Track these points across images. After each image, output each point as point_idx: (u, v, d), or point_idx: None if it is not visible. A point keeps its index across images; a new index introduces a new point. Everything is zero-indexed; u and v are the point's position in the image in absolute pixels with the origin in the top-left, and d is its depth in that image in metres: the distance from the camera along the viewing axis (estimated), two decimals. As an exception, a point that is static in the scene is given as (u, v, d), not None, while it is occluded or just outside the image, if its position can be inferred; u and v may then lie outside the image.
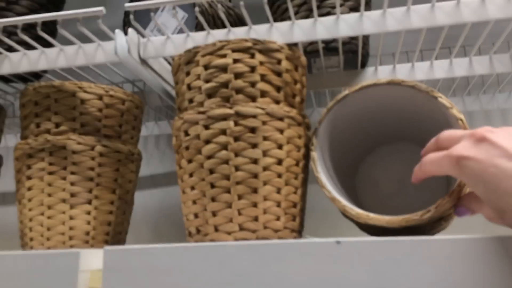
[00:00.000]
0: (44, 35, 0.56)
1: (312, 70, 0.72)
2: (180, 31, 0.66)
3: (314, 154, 0.52)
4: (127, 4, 0.53)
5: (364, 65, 0.71)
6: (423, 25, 0.54)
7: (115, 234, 0.61)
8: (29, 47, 0.61)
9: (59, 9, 0.70)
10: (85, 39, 0.60)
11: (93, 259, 0.44)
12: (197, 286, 0.41)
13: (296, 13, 0.66)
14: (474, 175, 0.36)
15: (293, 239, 0.49)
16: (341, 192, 0.55)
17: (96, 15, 0.51)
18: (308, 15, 0.65)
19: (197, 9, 0.55)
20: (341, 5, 0.66)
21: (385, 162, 0.61)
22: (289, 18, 0.65)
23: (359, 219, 0.47)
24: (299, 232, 0.53)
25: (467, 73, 0.68)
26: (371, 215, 0.46)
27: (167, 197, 0.92)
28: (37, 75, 0.76)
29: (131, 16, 0.55)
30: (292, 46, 0.53)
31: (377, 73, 0.71)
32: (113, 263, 0.41)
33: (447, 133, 0.41)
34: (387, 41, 0.76)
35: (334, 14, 0.61)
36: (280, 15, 0.69)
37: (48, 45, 0.62)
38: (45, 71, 0.76)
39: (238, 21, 0.78)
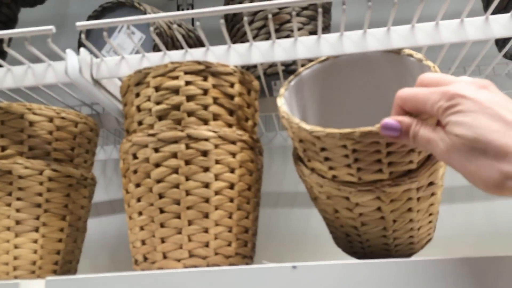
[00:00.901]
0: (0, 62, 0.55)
1: (273, 92, 0.71)
2: (138, 52, 0.65)
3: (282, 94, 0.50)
4: (79, 23, 0.52)
5: (324, 88, 0.70)
6: (379, 47, 0.54)
7: (65, 263, 0.58)
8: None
9: (10, 29, 0.68)
10: (37, 60, 0.58)
11: (31, 291, 0.41)
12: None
13: (255, 36, 0.66)
14: (466, 113, 0.34)
15: (246, 265, 0.47)
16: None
17: (46, 33, 0.50)
18: (268, 37, 0.65)
19: (151, 29, 0.54)
20: (301, 29, 0.66)
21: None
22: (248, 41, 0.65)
23: (314, 134, 0.42)
24: (250, 258, 0.51)
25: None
26: (327, 130, 0.42)
27: (126, 224, 0.89)
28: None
29: (83, 35, 0.53)
30: (245, 70, 0.52)
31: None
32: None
33: (435, 75, 0.38)
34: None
35: (293, 37, 0.60)
36: (240, 37, 0.69)
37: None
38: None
39: (199, 44, 0.77)
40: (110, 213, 0.92)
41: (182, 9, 1.05)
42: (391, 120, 0.38)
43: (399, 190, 0.44)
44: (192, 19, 1.03)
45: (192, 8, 1.05)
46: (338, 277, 0.36)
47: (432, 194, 0.48)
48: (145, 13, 0.66)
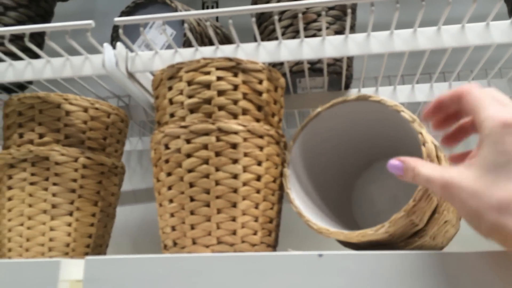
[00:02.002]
0: (32, 46, 0.57)
1: (297, 90, 0.73)
2: (168, 47, 0.68)
3: (286, 171, 0.53)
4: (117, 18, 0.54)
5: (347, 86, 0.72)
6: (405, 49, 0.56)
7: (96, 247, 0.61)
8: (15, 58, 0.62)
9: (47, 22, 0.71)
10: (72, 53, 0.61)
11: (73, 269, 0.44)
12: (171, 298, 0.41)
13: (282, 34, 0.68)
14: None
15: (274, 252, 0.50)
16: (323, 209, 0.56)
17: (85, 28, 0.52)
18: (295, 36, 0.67)
19: (186, 25, 0.56)
20: (327, 28, 0.68)
21: (380, 178, 0.62)
22: (275, 39, 0.67)
23: (321, 233, 0.48)
24: (274, 248, 0.53)
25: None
26: (331, 229, 0.47)
27: (148, 213, 0.92)
28: (21, 86, 0.77)
29: (120, 30, 0.56)
30: (273, 67, 0.54)
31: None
32: (94, 273, 0.41)
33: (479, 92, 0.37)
34: (370, 65, 0.78)
35: (319, 36, 0.62)
36: (267, 35, 0.71)
37: (34, 57, 0.62)
38: (30, 82, 0.77)
39: (226, 41, 0.79)
40: (133, 203, 0.95)
41: (207, 7, 1.08)
42: (395, 161, 0.41)
43: (411, 247, 0.48)
44: (217, 16, 1.05)
45: (217, 5, 1.08)
46: (363, 267, 0.38)
47: (445, 222, 0.51)
48: (176, 10, 0.68)
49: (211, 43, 0.72)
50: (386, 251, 0.39)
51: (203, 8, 1.07)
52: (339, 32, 0.67)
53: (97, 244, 0.62)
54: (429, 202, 0.46)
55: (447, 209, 0.50)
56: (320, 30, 0.65)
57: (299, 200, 0.53)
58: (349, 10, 0.53)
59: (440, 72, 0.70)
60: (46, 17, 0.70)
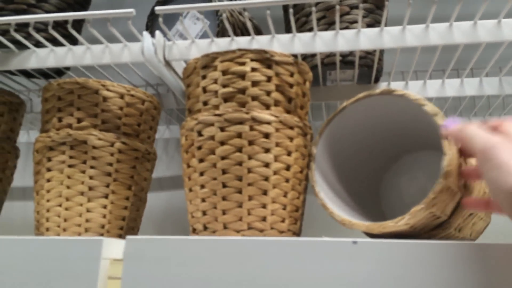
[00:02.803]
0: (74, 33, 0.59)
1: (326, 82, 0.74)
2: (202, 37, 0.69)
3: (312, 164, 0.55)
4: (157, 8, 0.56)
5: (377, 80, 0.73)
6: (441, 42, 0.56)
7: (128, 229, 0.64)
8: (55, 44, 0.64)
9: (85, 9, 0.73)
10: (109, 40, 0.63)
11: (113, 248, 0.46)
12: (213, 277, 0.43)
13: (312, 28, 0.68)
14: None
15: (310, 238, 0.51)
16: (347, 201, 0.57)
17: (126, 16, 0.54)
18: (327, 28, 0.67)
19: (224, 15, 0.58)
20: (357, 21, 0.68)
21: (409, 170, 0.63)
22: (307, 31, 0.67)
23: (344, 225, 0.49)
24: (298, 235, 0.55)
25: (477, 93, 0.70)
26: (353, 221, 0.49)
27: (172, 201, 0.94)
28: (59, 72, 0.79)
29: (160, 19, 0.57)
30: (304, 59, 0.55)
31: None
32: (134, 252, 0.43)
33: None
34: (400, 60, 0.78)
35: (351, 29, 0.63)
36: (299, 27, 0.71)
37: (73, 43, 0.65)
38: (67, 69, 0.79)
39: (256, 31, 0.80)
40: (158, 190, 0.97)
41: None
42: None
43: (435, 238, 0.49)
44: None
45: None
46: (394, 254, 0.39)
47: (471, 214, 0.52)
48: (211, 1, 0.70)
49: (242, 33, 0.73)
50: (415, 240, 0.40)
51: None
52: (371, 25, 0.68)
53: (129, 226, 0.64)
54: (451, 195, 0.47)
55: None
56: (352, 23, 0.66)
57: (324, 192, 0.54)
58: (386, 3, 0.53)
59: (469, 69, 0.70)
60: (84, 5, 0.72)
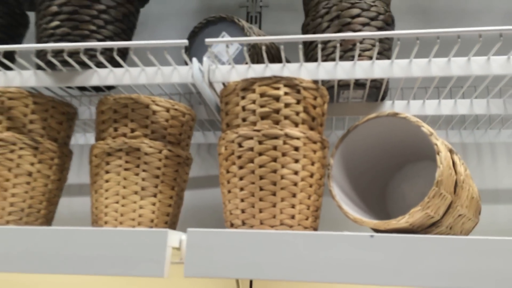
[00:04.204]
0: (135, 59, 0.70)
1: (339, 99, 0.85)
2: (235, 57, 0.80)
3: (330, 173, 0.66)
4: (208, 39, 0.67)
5: (383, 98, 0.84)
6: (440, 74, 0.67)
7: (171, 223, 0.75)
8: (114, 65, 0.75)
9: (133, 33, 0.84)
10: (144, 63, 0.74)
11: (173, 238, 0.57)
12: (255, 261, 0.54)
13: (332, 53, 0.80)
14: None
15: (333, 232, 0.63)
16: (358, 204, 0.69)
17: (179, 45, 0.65)
18: (342, 55, 0.79)
19: (245, 48, 0.69)
20: (369, 49, 0.80)
21: (411, 177, 0.75)
22: (326, 56, 0.79)
23: (356, 222, 0.61)
24: (316, 230, 0.66)
25: (468, 112, 0.82)
26: (364, 219, 0.60)
27: (197, 199, 1.05)
28: (108, 86, 0.90)
29: (210, 49, 0.68)
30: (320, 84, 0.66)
31: (394, 106, 0.84)
32: (194, 241, 0.54)
33: None
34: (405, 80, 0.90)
35: (364, 56, 0.75)
36: (315, 53, 0.83)
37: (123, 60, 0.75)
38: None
39: (278, 53, 0.92)
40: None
41: (251, 16, 1.20)
42: None
43: (430, 233, 0.61)
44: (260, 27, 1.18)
45: (260, 16, 1.20)
46: (405, 245, 0.51)
47: (460, 215, 0.64)
48: (242, 28, 0.81)
49: (268, 58, 0.84)
50: (414, 235, 0.51)
51: (247, 18, 1.20)
52: (380, 52, 0.79)
53: (172, 221, 0.75)
54: (442, 199, 0.58)
55: (461, 205, 0.63)
56: (364, 50, 0.77)
57: (339, 196, 0.65)
58: (398, 42, 0.65)
59: (463, 90, 0.82)
60: (133, 30, 0.83)
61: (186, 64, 0.73)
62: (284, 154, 0.63)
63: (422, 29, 1.07)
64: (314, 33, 0.81)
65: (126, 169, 0.71)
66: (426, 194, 0.72)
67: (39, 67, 0.77)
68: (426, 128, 0.60)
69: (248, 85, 0.66)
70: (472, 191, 0.68)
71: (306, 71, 0.69)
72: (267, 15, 1.21)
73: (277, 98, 0.64)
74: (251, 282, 1.01)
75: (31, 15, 0.96)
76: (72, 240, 0.58)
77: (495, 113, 0.80)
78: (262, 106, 0.65)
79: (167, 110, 0.74)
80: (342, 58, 0.77)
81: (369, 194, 0.73)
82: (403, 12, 1.14)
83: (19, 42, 0.85)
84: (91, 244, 0.56)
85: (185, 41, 0.64)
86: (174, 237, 0.58)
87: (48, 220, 0.76)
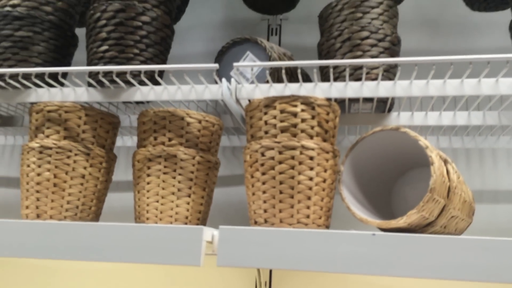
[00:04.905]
0: (173, 79, 0.82)
1: (350, 110, 0.96)
2: (257, 75, 0.91)
3: (340, 178, 0.77)
4: (236, 64, 0.78)
5: (390, 110, 0.95)
6: (436, 94, 0.77)
7: (202, 220, 0.87)
8: (153, 82, 0.87)
9: (168, 53, 0.95)
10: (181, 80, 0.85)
11: (206, 234, 0.68)
12: (276, 254, 0.65)
13: (343, 71, 0.90)
14: None
15: (339, 230, 0.73)
16: (366, 205, 0.80)
17: (211, 69, 0.76)
18: (352, 73, 0.89)
19: (267, 71, 0.80)
20: (377, 67, 0.90)
21: (412, 182, 0.85)
22: (338, 73, 0.89)
23: (362, 221, 0.71)
24: (328, 228, 0.77)
25: (466, 123, 0.92)
26: (369, 219, 0.71)
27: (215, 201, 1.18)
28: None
29: (237, 71, 0.79)
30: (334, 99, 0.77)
31: (399, 117, 0.94)
32: (225, 236, 0.66)
33: None
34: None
35: (373, 73, 0.85)
36: (325, 73, 0.93)
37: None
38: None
39: (294, 72, 1.02)
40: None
41: (272, 28, 1.30)
42: None
43: (426, 233, 0.71)
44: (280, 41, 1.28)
45: (280, 28, 1.31)
46: (402, 242, 0.61)
47: (452, 216, 0.74)
48: (265, 49, 0.91)
49: (286, 71, 0.95)
50: (412, 234, 0.62)
51: (268, 30, 1.31)
52: (386, 70, 0.89)
53: (203, 218, 0.87)
54: (435, 203, 0.68)
55: (453, 208, 0.73)
56: (373, 68, 0.87)
57: (348, 198, 0.76)
58: (398, 68, 0.75)
59: (463, 103, 0.91)
60: (169, 50, 0.94)
61: (216, 82, 0.84)
62: (300, 163, 0.74)
63: (429, 41, 1.16)
64: (328, 52, 0.92)
65: (164, 173, 0.83)
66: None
67: (89, 84, 0.89)
68: (422, 141, 0.70)
69: (270, 103, 0.77)
70: (465, 195, 0.78)
71: (320, 90, 0.80)
72: (286, 27, 1.31)
73: (295, 114, 0.75)
74: (270, 271, 1.13)
75: (77, 31, 1.08)
76: (125, 234, 0.70)
77: (490, 124, 0.90)
78: (282, 121, 0.76)
79: (199, 121, 0.86)
80: (352, 75, 0.88)
81: (377, 197, 0.83)
82: (410, 24, 1.23)
83: (70, 61, 0.97)
84: (140, 237, 0.68)
85: (215, 65, 0.76)
86: (208, 232, 0.69)
87: (97, 215, 0.89)
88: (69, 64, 0.96)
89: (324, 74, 0.93)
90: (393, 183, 0.86)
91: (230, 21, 1.36)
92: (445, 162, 0.73)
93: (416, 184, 0.85)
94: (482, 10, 1.01)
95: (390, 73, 0.89)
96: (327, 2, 1.25)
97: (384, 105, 0.92)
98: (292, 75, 0.97)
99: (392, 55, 0.90)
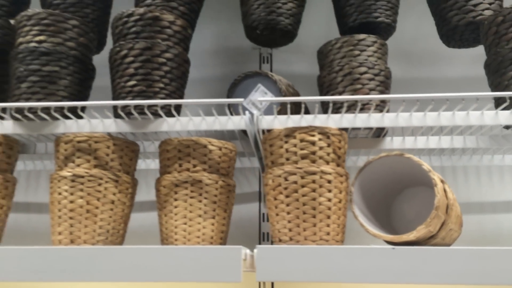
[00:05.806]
0: (201, 112, 0.89)
1: (350, 136, 1.07)
2: (269, 107, 1.00)
3: (352, 198, 0.87)
4: (252, 98, 0.87)
5: (384, 135, 1.06)
6: (420, 125, 0.90)
7: (224, 240, 0.94)
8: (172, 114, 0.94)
9: (186, 85, 1.03)
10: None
11: (242, 253, 0.76)
12: (303, 268, 0.74)
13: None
14: None
15: (360, 245, 0.83)
16: (372, 221, 0.90)
17: (237, 102, 0.85)
18: (355, 102, 1.00)
19: (274, 107, 0.89)
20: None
21: (409, 200, 0.97)
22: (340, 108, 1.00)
23: (375, 236, 0.82)
24: (343, 243, 0.87)
25: (449, 146, 1.05)
26: (382, 234, 0.81)
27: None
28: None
29: (256, 107, 0.88)
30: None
31: (393, 141, 1.06)
32: (262, 254, 0.74)
33: None
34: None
35: (371, 104, 0.96)
36: (327, 103, 1.04)
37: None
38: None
39: (295, 92, 1.12)
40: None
41: (263, 57, 1.40)
42: None
43: (429, 245, 0.82)
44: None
45: (271, 57, 1.41)
46: (420, 256, 0.72)
47: (450, 229, 0.86)
48: (275, 82, 1.01)
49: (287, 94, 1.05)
50: (430, 247, 0.73)
51: (260, 58, 1.40)
52: (383, 100, 1.01)
53: (225, 237, 0.94)
54: (439, 219, 0.80)
55: (451, 222, 0.85)
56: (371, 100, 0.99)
57: (360, 216, 0.86)
58: (388, 103, 0.87)
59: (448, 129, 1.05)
60: (187, 82, 1.02)
61: (231, 113, 0.93)
62: (320, 186, 0.83)
63: (404, 69, 1.30)
64: (330, 85, 1.03)
65: (191, 197, 0.90)
66: (421, 212, 0.94)
67: (117, 115, 0.95)
68: (425, 166, 0.82)
69: (290, 132, 0.87)
70: (456, 210, 0.90)
71: (332, 121, 0.90)
72: (277, 56, 1.41)
73: (313, 143, 0.85)
74: (272, 283, 1.21)
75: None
76: (166, 255, 0.76)
77: (470, 147, 1.04)
78: (302, 149, 0.85)
79: (220, 148, 0.94)
80: (353, 106, 0.99)
81: (378, 212, 0.94)
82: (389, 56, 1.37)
83: (89, 92, 1.02)
84: (183, 258, 0.75)
85: (241, 100, 0.84)
86: (243, 251, 0.77)
87: (124, 238, 0.95)
88: (88, 96, 1.02)
89: (327, 104, 1.03)
90: (392, 200, 0.98)
91: (221, 49, 1.45)
92: (443, 182, 0.85)
93: (413, 201, 0.96)
94: (457, 47, 1.15)
95: (381, 106, 1.01)
96: (313, 35, 1.37)
97: (380, 131, 1.04)
98: (296, 104, 1.07)
99: (386, 88, 1.02)
